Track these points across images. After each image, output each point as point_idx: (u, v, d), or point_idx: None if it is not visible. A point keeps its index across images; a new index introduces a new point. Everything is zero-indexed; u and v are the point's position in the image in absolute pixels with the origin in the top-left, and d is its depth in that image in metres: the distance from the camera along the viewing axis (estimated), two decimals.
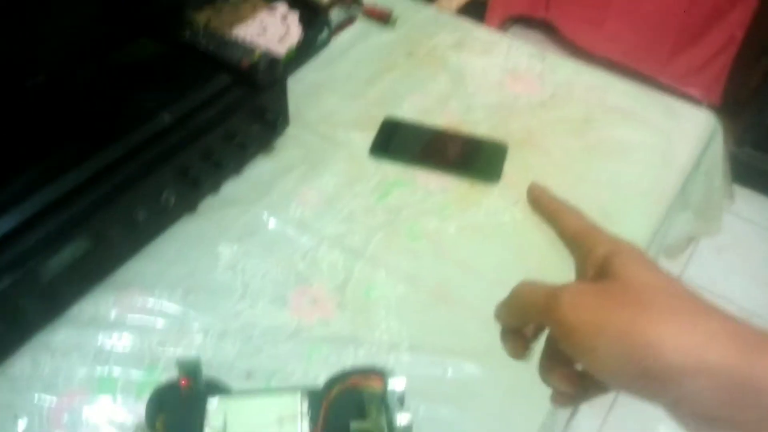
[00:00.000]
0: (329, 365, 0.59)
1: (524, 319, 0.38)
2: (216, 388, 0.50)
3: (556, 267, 0.68)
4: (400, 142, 0.79)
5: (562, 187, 0.76)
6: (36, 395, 0.56)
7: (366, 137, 0.79)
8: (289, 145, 0.78)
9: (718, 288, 1.69)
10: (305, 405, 0.47)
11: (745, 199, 1.82)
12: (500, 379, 0.60)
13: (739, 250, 1.76)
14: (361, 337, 0.62)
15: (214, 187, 0.72)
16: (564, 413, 0.66)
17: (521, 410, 0.58)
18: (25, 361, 0.58)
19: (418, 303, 0.65)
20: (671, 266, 1.70)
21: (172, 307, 0.63)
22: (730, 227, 1.63)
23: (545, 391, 0.59)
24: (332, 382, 0.49)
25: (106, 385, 0.57)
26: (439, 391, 0.58)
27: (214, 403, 0.47)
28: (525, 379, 0.60)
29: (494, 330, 0.63)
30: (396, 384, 0.45)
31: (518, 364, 0.61)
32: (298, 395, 0.48)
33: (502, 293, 0.65)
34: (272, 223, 0.70)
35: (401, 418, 0.43)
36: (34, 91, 0.66)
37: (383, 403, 0.46)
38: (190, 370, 0.47)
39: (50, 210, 0.57)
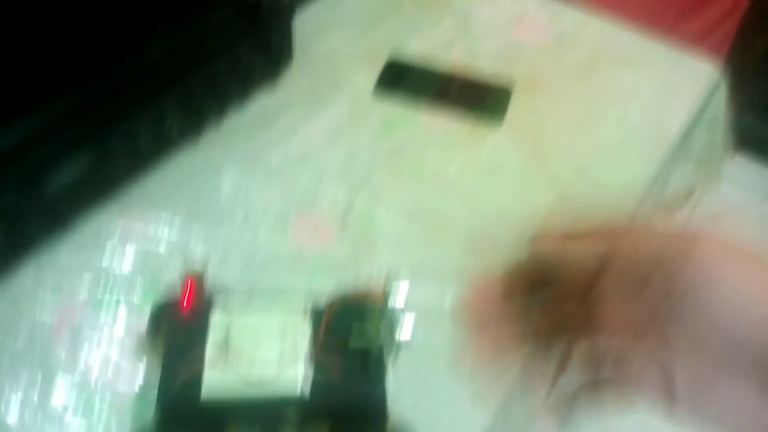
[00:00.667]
0: (328, 291, 0.60)
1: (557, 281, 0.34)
2: (218, 305, 0.51)
3: (555, 204, 0.69)
4: (404, 82, 0.79)
5: (565, 130, 0.77)
6: (38, 310, 0.56)
7: (370, 76, 0.79)
8: (293, 81, 0.77)
9: None
10: (307, 321, 0.48)
11: (744, 167, 1.83)
12: None
13: (734, 218, 1.77)
14: (361, 266, 0.62)
15: (217, 118, 0.72)
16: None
17: None
18: (27, 276, 0.58)
19: (418, 235, 0.65)
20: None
21: (174, 231, 0.63)
22: (726, 195, 1.64)
23: None
24: (333, 300, 0.49)
25: (107, 303, 0.57)
26: (437, 318, 0.59)
27: (216, 318, 0.47)
28: None
29: (492, 263, 0.64)
30: (396, 301, 0.46)
31: None
32: (300, 312, 0.48)
33: (501, 229, 0.66)
34: (274, 155, 0.70)
35: (402, 333, 0.44)
36: (45, 7, 0.65)
37: (383, 319, 0.46)
38: (195, 279, 0.48)
39: (55, 126, 0.57)
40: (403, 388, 0.47)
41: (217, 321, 0.47)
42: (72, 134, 0.58)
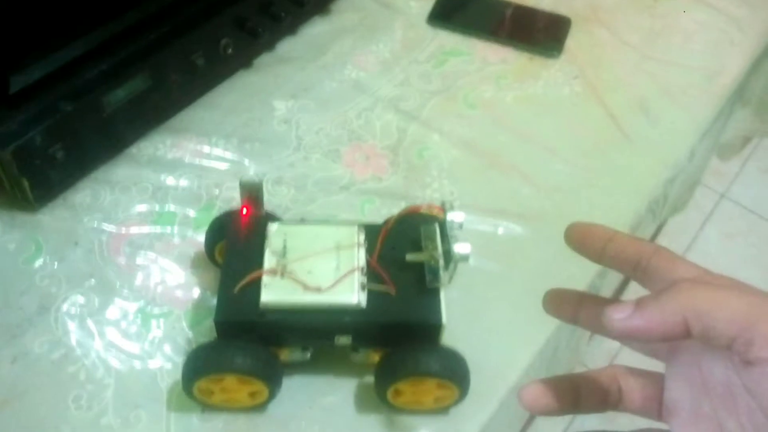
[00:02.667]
0: (381, 217, 0.59)
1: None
2: (275, 218, 0.51)
3: (612, 140, 0.67)
4: (459, 11, 0.77)
5: (625, 65, 0.75)
6: (96, 223, 0.57)
7: (424, 5, 0.77)
8: (346, 9, 0.76)
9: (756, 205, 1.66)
10: (362, 236, 0.48)
11: None
12: (549, 243, 0.59)
13: None
14: (412, 194, 0.62)
15: (270, 42, 0.71)
16: (611, 281, 0.66)
17: (569, 272, 0.58)
18: (85, 192, 0.59)
19: (470, 166, 0.64)
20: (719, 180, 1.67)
21: (228, 153, 0.63)
22: None
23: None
24: (392, 215, 0.49)
25: (164, 219, 0.58)
26: (489, 247, 0.58)
27: (274, 228, 0.48)
28: None
29: (543, 195, 0.63)
30: (456, 216, 0.46)
31: (563, 230, 0.61)
32: (356, 227, 0.48)
33: (557, 163, 0.65)
34: (327, 82, 0.70)
35: (460, 247, 0.44)
36: None
37: (442, 232, 0.46)
38: (253, 191, 0.48)
39: (112, 44, 0.57)
40: (455, 311, 0.47)
41: (274, 230, 0.47)
42: (127, 52, 0.58)
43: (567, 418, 1.25)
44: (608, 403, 0.35)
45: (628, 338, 0.31)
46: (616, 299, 0.31)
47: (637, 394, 0.34)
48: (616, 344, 1.30)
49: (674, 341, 0.32)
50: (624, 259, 0.33)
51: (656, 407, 0.34)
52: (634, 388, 0.35)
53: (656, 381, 0.34)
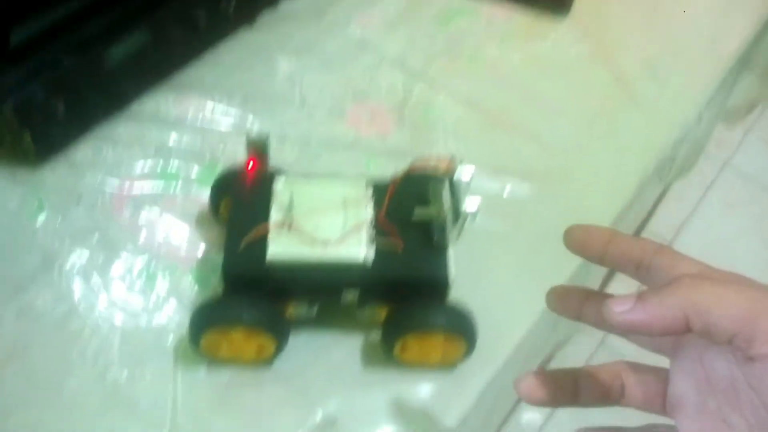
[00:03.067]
0: (386, 174, 0.59)
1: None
2: (280, 173, 0.50)
3: (620, 100, 0.67)
4: None
5: (633, 26, 0.74)
6: (98, 180, 0.57)
7: None
8: None
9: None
10: (370, 191, 0.47)
11: None
12: (555, 203, 0.59)
13: None
14: (418, 152, 0.61)
15: (273, 0, 0.70)
16: None
17: None
18: (87, 149, 0.59)
19: (477, 125, 0.64)
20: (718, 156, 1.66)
21: (231, 111, 0.62)
22: None
23: (598, 217, 0.59)
24: (398, 173, 0.49)
25: (168, 176, 0.57)
26: (495, 206, 0.58)
27: (280, 183, 0.47)
28: (579, 207, 0.60)
29: (549, 155, 0.62)
30: (465, 171, 0.45)
31: (573, 192, 0.61)
32: (364, 182, 0.48)
33: (563, 123, 0.64)
34: (331, 41, 0.69)
35: (469, 203, 0.43)
36: None
37: (451, 188, 0.46)
38: (259, 146, 0.47)
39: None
40: (460, 270, 0.46)
41: (280, 186, 0.46)
42: (127, 6, 0.57)
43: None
44: (610, 399, 0.35)
45: (629, 332, 0.31)
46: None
47: (640, 389, 0.34)
48: None
49: (677, 336, 0.33)
50: (626, 260, 0.33)
51: (660, 402, 0.34)
52: (637, 384, 0.35)
53: (660, 376, 0.34)
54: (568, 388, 0.35)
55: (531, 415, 1.23)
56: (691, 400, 0.32)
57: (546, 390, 0.35)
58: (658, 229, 1.51)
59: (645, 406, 0.35)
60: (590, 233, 0.35)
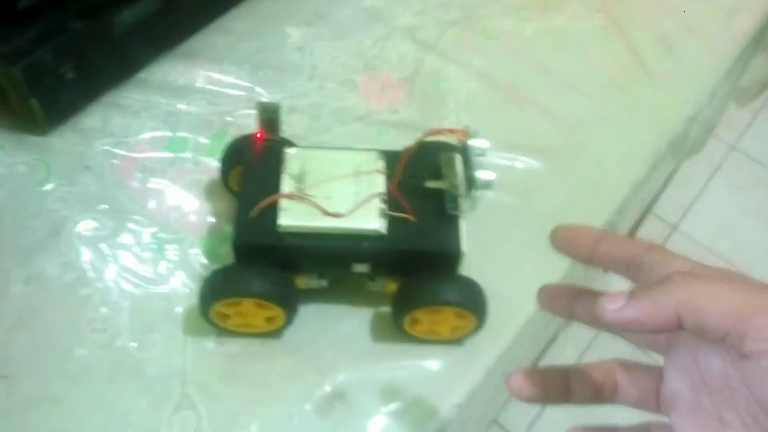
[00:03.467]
0: (397, 147, 0.58)
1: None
2: (291, 144, 0.50)
3: (634, 75, 0.66)
4: None
5: (649, 2, 0.72)
6: (107, 147, 0.56)
7: None
8: None
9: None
10: (382, 162, 0.47)
11: None
12: (566, 179, 0.59)
13: None
14: (429, 126, 0.59)
15: None
16: (628, 220, 0.66)
17: (586, 207, 0.58)
18: (95, 116, 0.58)
19: (488, 99, 0.63)
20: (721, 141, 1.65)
21: (240, 80, 0.61)
22: None
23: (609, 196, 0.59)
24: (412, 142, 0.48)
25: (177, 144, 0.57)
26: (507, 180, 0.57)
27: (292, 152, 0.46)
28: (591, 182, 0.59)
29: (562, 129, 0.62)
30: (479, 142, 0.44)
31: (586, 167, 0.60)
32: (375, 153, 0.47)
33: (576, 97, 0.64)
34: (342, 10, 0.68)
35: (484, 174, 0.43)
36: None
37: (464, 158, 0.45)
38: (270, 114, 0.46)
39: None
40: (470, 243, 0.46)
41: (292, 155, 0.46)
42: None
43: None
44: (603, 397, 0.34)
45: (621, 330, 0.30)
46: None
47: (634, 387, 0.34)
48: (623, 285, 1.31)
49: (671, 334, 0.32)
50: (616, 259, 0.33)
51: (654, 400, 0.33)
52: (630, 382, 0.34)
53: (654, 374, 0.34)
54: (559, 385, 0.34)
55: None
56: (685, 397, 0.31)
57: (537, 387, 0.34)
58: (665, 211, 1.50)
59: (639, 404, 0.34)
60: (578, 233, 0.34)
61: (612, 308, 0.29)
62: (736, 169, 1.65)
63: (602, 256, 0.33)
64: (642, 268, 0.32)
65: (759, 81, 0.96)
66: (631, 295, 0.29)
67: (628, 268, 0.32)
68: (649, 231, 1.39)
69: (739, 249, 1.49)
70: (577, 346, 1.27)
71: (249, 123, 0.58)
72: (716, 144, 1.64)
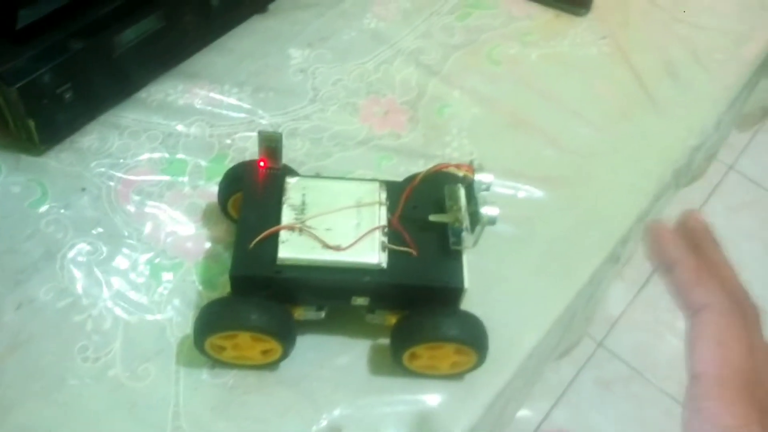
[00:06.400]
0: (398, 175, 0.57)
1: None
2: (292, 172, 0.49)
3: (639, 104, 0.65)
4: None
5: (655, 26, 0.72)
6: (104, 169, 0.55)
7: None
8: None
9: None
10: (384, 194, 0.46)
11: None
12: (569, 209, 0.58)
13: None
14: (431, 153, 0.60)
15: None
16: (631, 249, 0.65)
17: (589, 239, 0.57)
18: (93, 136, 0.57)
19: (492, 126, 0.62)
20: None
21: (241, 102, 0.61)
22: None
23: (613, 227, 0.58)
24: (413, 177, 0.47)
25: (175, 167, 0.56)
26: (508, 210, 0.56)
27: (293, 182, 0.46)
28: (595, 213, 0.58)
29: (566, 158, 0.61)
30: (484, 177, 0.44)
31: (589, 197, 0.59)
32: (377, 184, 0.46)
33: (581, 125, 0.63)
34: (346, 31, 0.67)
35: (488, 210, 0.42)
36: None
37: (469, 193, 0.44)
38: (272, 143, 0.46)
39: None
40: (471, 275, 0.45)
41: (293, 184, 0.45)
42: None
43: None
44: None
45: None
46: None
47: None
48: (615, 311, 1.29)
49: None
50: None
51: None
52: None
53: None
54: None
55: (525, 413, 1.22)
56: None
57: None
58: None
59: None
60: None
61: None
62: (733, 190, 1.64)
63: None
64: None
65: (762, 106, 0.95)
66: None
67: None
68: None
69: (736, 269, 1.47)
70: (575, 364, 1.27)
71: (249, 146, 0.58)
72: (714, 165, 1.64)
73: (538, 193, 0.58)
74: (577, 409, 1.24)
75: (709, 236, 0.33)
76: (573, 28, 0.70)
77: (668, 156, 0.62)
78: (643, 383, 1.27)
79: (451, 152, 0.60)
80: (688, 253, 0.31)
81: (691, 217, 0.33)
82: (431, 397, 0.47)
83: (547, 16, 0.71)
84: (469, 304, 0.46)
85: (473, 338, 0.44)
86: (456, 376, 0.48)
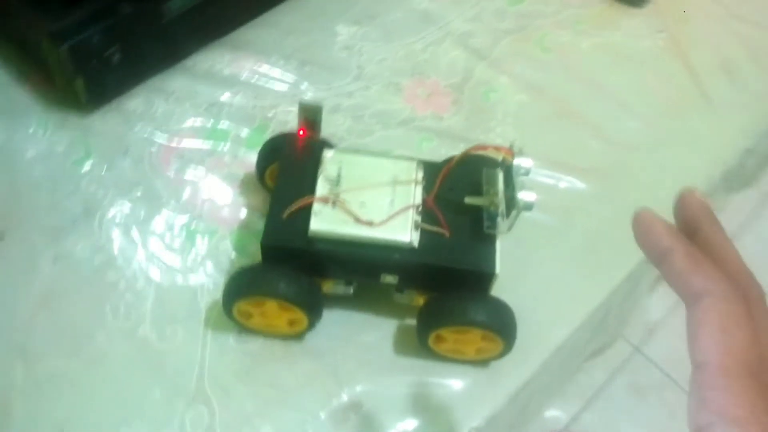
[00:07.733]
0: (438, 157, 0.56)
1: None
2: (330, 145, 0.49)
3: (691, 100, 0.63)
4: None
5: (714, 22, 0.69)
6: (147, 133, 0.56)
7: None
8: None
9: None
10: (421, 173, 0.45)
11: None
12: (611, 201, 0.56)
13: None
14: (473, 137, 0.59)
15: None
16: None
17: (628, 236, 0.55)
18: (139, 100, 0.58)
19: (537, 113, 0.61)
20: None
21: (286, 75, 0.61)
22: None
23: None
24: (451, 159, 0.47)
25: (217, 135, 0.56)
26: (549, 200, 0.55)
27: (329, 154, 0.45)
28: (637, 208, 0.57)
29: (612, 151, 0.59)
30: (523, 161, 0.43)
31: (632, 192, 0.58)
32: (415, 162, 0.46)
33: (629, 119, 0.61)
34: (394, 11, 0.66)
35: (526, 195, 0.41)
36: None
37: (507, 177, 0.43)
38: (312, 114, 0.45)
39: None
40: (505, 261, 0.44)
41: (330, 157, 0.45)
42: None
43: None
44: None
45: None
46: None
47: None
48: (654, 316, 1.25)
49: None
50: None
51: None
52: None
53: None
54: None
55: (555, 413, 1.21)
56: None
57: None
58: None
59: None
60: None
61: None
62: None
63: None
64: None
65: None
66: None
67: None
68: None
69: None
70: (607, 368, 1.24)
71: (290, 119, 0.58)
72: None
73: (580, 184, 0.57)
74: (607, 413, 1.22)
75: (709, 216, 0.31)
76: (627, 19, 0.68)
77: (718, 156, 0.60)
78: (677, 392, 1.24)
79: (494, 138, 0.59)
80: (681, 239, 0.29)
81: (689, 196, 0.31)
82: (454, 382, 0.47)
83: (602, 5, 0.69)
84: (499, 290, 0.45)
85: (501, 325, 0.43)
86: (481, 362, 0.47)
